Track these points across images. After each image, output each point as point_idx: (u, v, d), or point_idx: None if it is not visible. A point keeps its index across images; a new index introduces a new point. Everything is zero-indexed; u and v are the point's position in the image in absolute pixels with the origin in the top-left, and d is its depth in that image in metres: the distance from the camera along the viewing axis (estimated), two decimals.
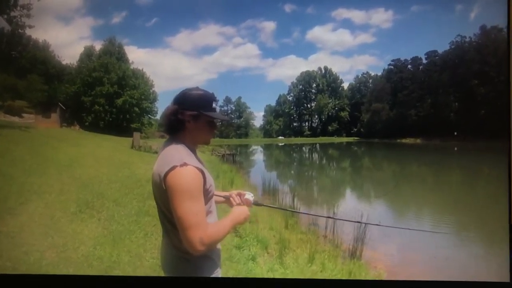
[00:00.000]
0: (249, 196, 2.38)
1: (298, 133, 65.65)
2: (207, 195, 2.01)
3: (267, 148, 57.46)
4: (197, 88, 2.12)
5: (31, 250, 5.36)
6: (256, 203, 2.46)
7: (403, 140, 52.36)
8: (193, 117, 2.05)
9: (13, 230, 6.06)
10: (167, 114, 2.06)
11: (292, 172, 30.63)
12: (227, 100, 64.34)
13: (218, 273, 2.14)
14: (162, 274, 2.12)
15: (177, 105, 2.06)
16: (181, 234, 1.89)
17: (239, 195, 2.40)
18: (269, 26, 64.29)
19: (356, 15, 64.56)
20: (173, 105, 2.07)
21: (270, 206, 3.07)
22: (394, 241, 8.05)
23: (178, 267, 2.05)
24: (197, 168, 1.94)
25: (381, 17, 65.59)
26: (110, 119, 35.10)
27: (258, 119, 68.84)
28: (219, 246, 2.18)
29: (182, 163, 1.90)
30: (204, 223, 1.91)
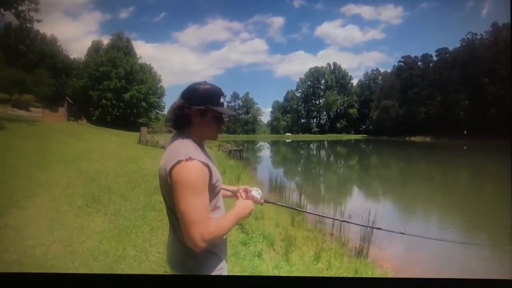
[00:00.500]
0: (256, 192, 2.35)
1: (306, 129, 65.65)
2: (213, 190, 1.99)
3: (274, 144, 57.51)
4: (204, 83, 2.09)
5: (37, 243, 5.37)
6: (266, 201, 2.43)
7: (412, 138, 52.21)
8: (200, 111, 2.03)
9: (20, 223, 6.07)
10: (174, 109, 2.04)
11: (299, 169, 30.65)
12: (235, 96, 64.54)
13: (224, 269, 2.11)
14: (168, 269, 2.10)
15: (184, 99, 2.03)
16: (182, 229, 1.88)
17: (246, 191, 2.37)
18: (277, 21, 64.27)
19: (366, 11, 64.40)
20: (180, 100, 2.04)
21: (279, 204, 3.02)
22: (400, 240, 7.99)
23: (184, 262, 2.03)
24: (203, 162, 1.91)
25: (391, 13, 65.37)
26: (117, 113, 35.26)
27: (265, 115, 68.98)
28: (225, 241, 2.15)
29: (188, 158, 1.87)
30: (206, 219, 1.88)
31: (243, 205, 2.16)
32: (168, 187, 1.91)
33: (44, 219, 6.49)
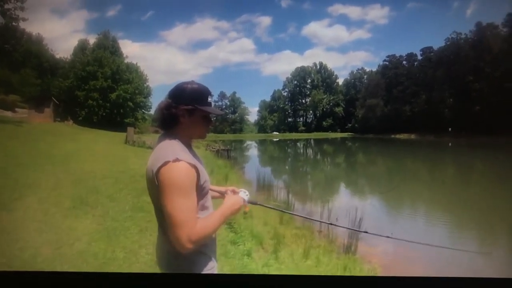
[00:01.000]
0: (243, 194, 2.36)
1: (293, 128, 65.98)
2: (201, 191, 1.99)
3: (261, 143, 57.51)
4: (192, 82, 2.08)
5: (26, 246, 5.32)
6: (252, 202, 2.45)
7: (398, 136, 52.68)
8: (188, 111, 2.02)
9: (8, 225, 6.01)
10: (161, 109, 2.02)
11: (287, 167, 30.70)
12: (222, 95, 64.71)
13: (214, 268, 2.11)
14: (157, 270, 2.10)
15: (172, 99, 2.02)
16: (169, 230, 1.87)
17: (233, 192, 2.39)
18: (265, 21, 64.62)
19: (352, 11, 65.04)
20: (167, 100, 2.04)
21: (266, 206, 3.02)
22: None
23: (174, 262, 2.02)
24: (190, 164, 1.90)
25: (377, 13, 66.10)
26: (104, 113, 35.03)
27: (252, 115, 69.22)
28: (215, 240, 2.16)
29: (175, 159, 1.86)
30: (193, 221, 1.88)
31: (231, 202, 2.15)
32: (155, 188, 1.90)
33: (32, 221, 6.43)
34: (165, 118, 2.02)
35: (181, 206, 1.85)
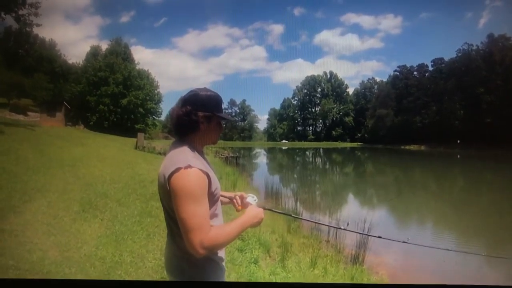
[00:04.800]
0: (252, 199, 2.35)
1: (302, 137, 65.76)
2: (212, 198, 1.99)
3: (270, 151, 57.44)
4: (205, 89, 2.10)
5: (34, 248, 5.35)
6: (260, 207, 2.44)
7: (407, 147, 52.30)
8: (207, 118, 2.05)
9: (17, 228, 6.04)
10: (180, 115, 2.03)
11: (295, 176, 30.59)
12: (232, 103, 64.61)
13: (223, 275, 2.12)
14: (164, 275, 2.10)
15: (191, 106, 2.03)
16: (183, 236, 1.88)
17: (242, 197, 2.39)
18: (277, 28, 64.68)
19: (365, 20, 64.91)
20: (184, 106, 2.04)
21: (274, 211, 3.02)
22: (396, 246, 7.98)
23: (182, 268, 2.03)
24: (202, 170, 1.91)
25: (390, 23, 65.90)
26: (115, 119, 35.25)
27: (262, 122, 69.22)
28: (224, 248, 2.15)
29: (187, 165, 1.88)
30: (206, 226, 1.89)
31: (252, 214, 2.14)
32: (167, 194, 1.92)
33: (41, 224, 6.46)
34: (185, 125, 2.04)
35: (194, 212, 1.86)
